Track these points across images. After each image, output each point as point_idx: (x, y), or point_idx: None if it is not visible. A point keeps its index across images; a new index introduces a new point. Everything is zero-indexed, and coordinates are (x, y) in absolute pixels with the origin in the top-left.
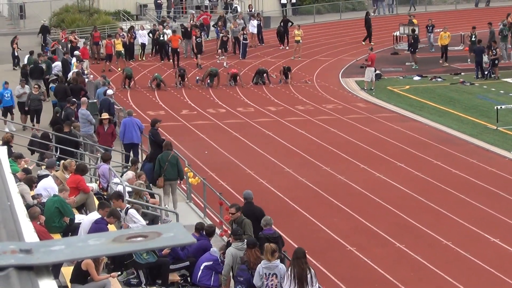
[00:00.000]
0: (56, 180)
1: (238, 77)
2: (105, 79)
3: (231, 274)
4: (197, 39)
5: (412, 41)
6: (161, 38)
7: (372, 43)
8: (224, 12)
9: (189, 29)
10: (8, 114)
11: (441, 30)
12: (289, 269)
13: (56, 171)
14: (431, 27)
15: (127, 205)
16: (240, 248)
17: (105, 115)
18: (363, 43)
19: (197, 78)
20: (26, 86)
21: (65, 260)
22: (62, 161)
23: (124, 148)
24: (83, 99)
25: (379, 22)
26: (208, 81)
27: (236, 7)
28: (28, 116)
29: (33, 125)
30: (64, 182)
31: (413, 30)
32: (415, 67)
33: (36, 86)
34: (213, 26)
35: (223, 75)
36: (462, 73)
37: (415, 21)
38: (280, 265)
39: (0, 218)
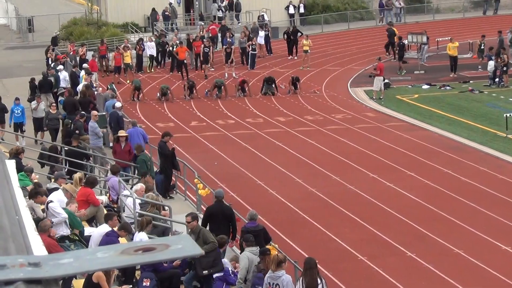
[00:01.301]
0: (66, 193)
1: (246, 85)
2: (113, 90)
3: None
4: (205, 49)
5: (398, 49)
6: (174, 49)
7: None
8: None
9: (191, 40)
10: (19, 130)
11: (448, 38)
12: (300, 279)
13: (66, 184)
14: (426, 39)
15: (48, 199)
16: (255, 252)
17: (122, 133)
18: (399, 73)
19: (206, 90)
20: (42, 102)
21: (73, 273)
22: (75, 174)
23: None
24: (93, 112)
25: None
26: (217, 92)
27: (263, 14)
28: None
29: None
30: (75, 195)
31: (400, 38)
32: (403, 73)
33: (54, 105)
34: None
35: (231, 86)
36: (471, 81)
37: (395, 29)
38: (284, 276)
39: (8, 232)
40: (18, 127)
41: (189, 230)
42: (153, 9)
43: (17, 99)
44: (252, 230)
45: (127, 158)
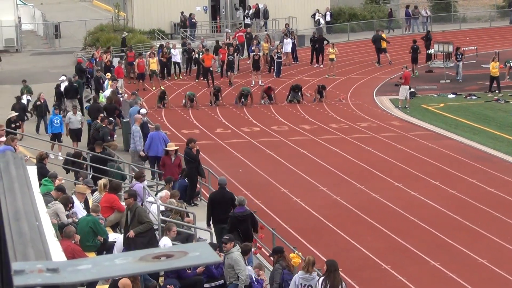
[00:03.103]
0: (78, 196)
1: (272, 92)
2: (136, 97)
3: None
4: (229, 57)
5: (411, 52)
6: (200, 56)
7: (415, 71)
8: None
9: (219, 47)
10: (56, 140)
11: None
12: (321, 280)
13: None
14: (460, 56)
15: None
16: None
17: (171, 146)
18: (413, 75)
19: (236, 99)
20: (78, 112)
21: (92, 279)
22: (99, 181)
23: (150, 161)
24: (136, 116)
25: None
26: (242, 100)
27: (318, 19)
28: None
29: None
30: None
31: (414, 41)
32: (415, 74)
33: (105, 120)
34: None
35: (257, 94)
36: (496, 91)
37: (384, 35)
38: (316, 277)
39: (28, 238)
40: (56, 137)
41: (126, 207)
42: (182, 13)
43: (56, 108)
44: (239, 215)
45: (177, 171)
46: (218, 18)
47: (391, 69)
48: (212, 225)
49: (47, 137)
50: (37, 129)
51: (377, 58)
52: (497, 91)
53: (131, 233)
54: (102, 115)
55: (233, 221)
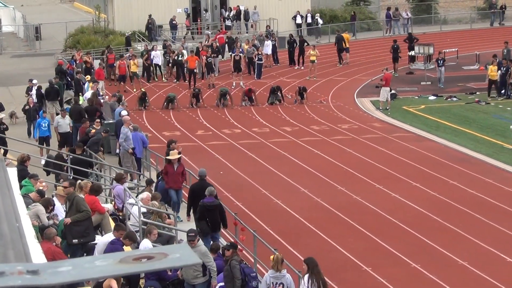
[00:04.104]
0: (59, 198)
1: (253, 94)
2: (119, 98)
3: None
4: (208, 59)
5: (392, 51)
6: (179, 58)
7: (397, 71)
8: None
9: (200, 49)
10: (44, 144)
11: (489, 64)
12: (306, 278)
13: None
14: (441, 61)
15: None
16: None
17: (174, 154)
18: (396, 74)
19: (217, 101)
20: (67, 116)
21: (72, 281)
22: (78, 182)
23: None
24: (125, 117)
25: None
26: (223, 101)
27: (317, 19)
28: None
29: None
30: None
31: (394, 41)
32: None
33: (98, 121)
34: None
35: (238, 95)
36: (477, 92)
37: (347, 36)
38: (287, 275)
39: (8, 239)
40: (44, 140)
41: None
42: (150, 16)
43: (44, 111)
44: (208, 204)
45: (180, 180)
46: (198, 20)
47: (372, 71)
48: (192, 215)
49: (52, 145)
50: (29, 133)
51: (339, 59)
52: (497, 96)
53: (68, 220)
54: (84, 118)
55: (202, 210)
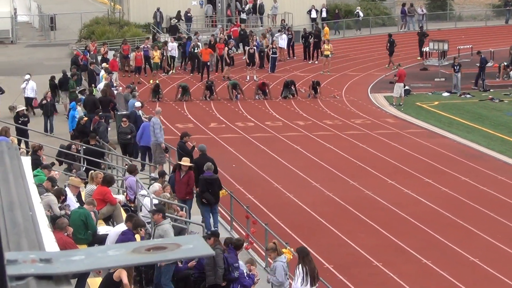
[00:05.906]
0: (71, 189)
1: (267, 87)
2: (133, 90)
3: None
4: (229, 51)
5: (388, 45)
6: (195, 51)
7: (395, 64)
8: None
9: (212, 42)
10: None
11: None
12: (300, 267)
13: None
14: (458, 67)
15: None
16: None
17: (185, 161)
18: (387, 66)
19: (230, 94)
20: (80, 107)
21: (85, 270)
22: (90, 172)
23: (140, 151)
24: (158, 108)
25: (408, 38)
26: (236, 93)
27: (357, 12)
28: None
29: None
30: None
31: (390, 35)
32: (393, 68)
33: (124, 119)
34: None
35: (250, 88)
36: (491, 90)
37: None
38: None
39: (21, 228)
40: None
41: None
42: (158, 9)
43: (78, 102)
44: (208, 178)
45: (184, 189)
46: (213, 13)
47: (386, 67)
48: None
49: (65, 135)
50: (46, 129)
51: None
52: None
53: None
54: (98, 109)
55: (203, 183)
